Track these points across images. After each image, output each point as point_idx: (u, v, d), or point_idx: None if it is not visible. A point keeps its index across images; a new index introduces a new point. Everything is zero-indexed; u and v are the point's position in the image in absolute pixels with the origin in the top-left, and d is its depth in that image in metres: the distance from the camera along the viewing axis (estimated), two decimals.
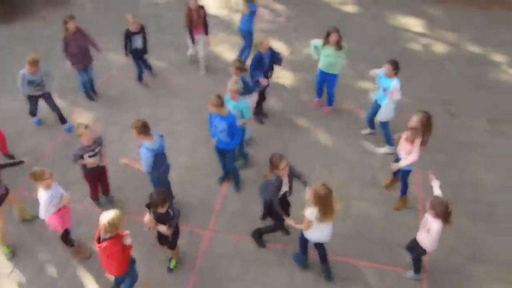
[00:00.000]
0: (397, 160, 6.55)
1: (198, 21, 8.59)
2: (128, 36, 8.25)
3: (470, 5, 11.73)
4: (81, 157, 6.04)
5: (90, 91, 8.74)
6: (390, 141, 7.58)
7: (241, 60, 7.31)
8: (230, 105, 6.64)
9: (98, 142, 6.16)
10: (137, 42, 8.34)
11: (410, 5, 11.75)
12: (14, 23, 10.99)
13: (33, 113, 7.95)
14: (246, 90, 7.21)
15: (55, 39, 9.89)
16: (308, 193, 5.41)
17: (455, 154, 7.78)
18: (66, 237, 6.00)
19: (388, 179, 7.17)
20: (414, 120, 6.11)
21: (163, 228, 5.41)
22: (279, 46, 10.06)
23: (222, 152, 6.77)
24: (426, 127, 6.12)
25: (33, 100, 7.68)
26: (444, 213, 5.09)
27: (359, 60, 9.80)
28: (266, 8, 11.43)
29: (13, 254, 6.20)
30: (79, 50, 8.04)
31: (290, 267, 6.13)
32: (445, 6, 11.73)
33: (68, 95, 8.70)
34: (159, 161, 6.01)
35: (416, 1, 11.87)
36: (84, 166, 6.20)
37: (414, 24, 11.10)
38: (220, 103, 6.17)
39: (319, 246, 5.77)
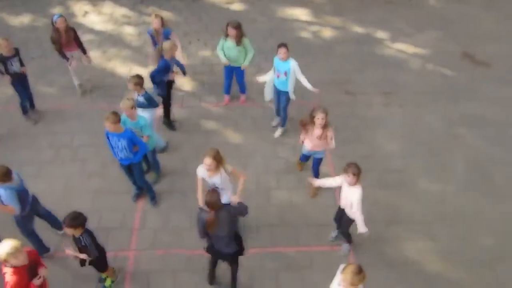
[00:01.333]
0: (308, 157, 6.87)
1: (68, 42, 8.08)
2: (2, 60, 7.54)
3: None
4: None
5: None
6: (285, 123, 7.96)
7: (139, 75, 6.94)
8: (129, 124, 6.32)
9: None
10: (15, 66, 7.63)
11: None
12: None
13: None
14: (150, 104, 6.98)
15: None
16: None
17: (359, 129, 8.22)
18: None
19: (299, 165, 7.41)
20: (322, 118, 6.18)
21: (83, 256, 5.09)
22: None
23: (129, 168, 6.50)
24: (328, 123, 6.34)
25: None
26: (359, 174, 5.24)
27: (255, 54, 9.94)
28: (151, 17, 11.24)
29: None
30: None
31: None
32: None
33: None
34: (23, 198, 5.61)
35: None
36: None
37: (300, 13, 11.52)
38: (117, 120, 5.80)
39: None
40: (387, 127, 8.27)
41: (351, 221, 5.77)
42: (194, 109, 8.63)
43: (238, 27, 7.54)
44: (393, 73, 9.54)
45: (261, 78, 7.70)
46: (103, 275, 5.76)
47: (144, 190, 6.88)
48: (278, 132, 8.05)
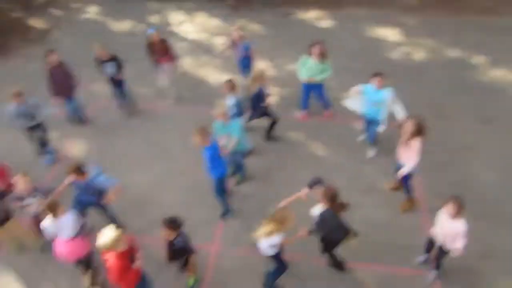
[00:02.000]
0: (399, 168, 6.60)
1: (162, 52, 8.58)
2: (100, 64, 8.24)
3: (442, 12, 12.11)
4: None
5: (77, 118, 8.75)
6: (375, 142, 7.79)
7: (232, 80, 7.29)
8: (219, 129, 6.59)
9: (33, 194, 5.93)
10: (110, 70, 8.29)
11: (384, 17, 12.06)
12: None
13: (41, 145, 7.90)
14: (239, 111, 7.20)
15: (37, 75, 9.78)
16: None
17: (452, 155, 7.88)
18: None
19: (393, 183, 7.18)
20: (409, 125, 6.16)
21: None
22: (262, 65, 10.12)
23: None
24: (419, 131, 6.16)
25: (31, 133, 7.63)
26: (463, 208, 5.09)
27: (341, 73, 9.91)
28: (242, 30, 11.58)
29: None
30: (61, 82, 8.05)
31: (301, 276, 6.07)
32: (418, 15, 12.07)
33: (59, 128, 8.53)
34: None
35: (389, 13, 12.19)
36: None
37: (391, 34, 11.37)
38: (202, 133, 6.01)
39: None
40: (483, 155, 7.85)
41: (445, 253, 5.55)
42: (280, 119, 8.71)
43: (321, 46, 7.67)
44: (490, 99, 9.09)
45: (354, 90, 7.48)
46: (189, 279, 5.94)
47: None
48: (371, 152, 7.89)
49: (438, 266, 5.87)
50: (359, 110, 7.57)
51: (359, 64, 10.27)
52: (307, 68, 7.96)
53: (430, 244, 5.78)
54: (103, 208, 6.32)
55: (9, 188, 5.98)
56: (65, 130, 8.58)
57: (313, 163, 7.78)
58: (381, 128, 7.33)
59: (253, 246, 6.33)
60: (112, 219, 6.45)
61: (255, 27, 11.82)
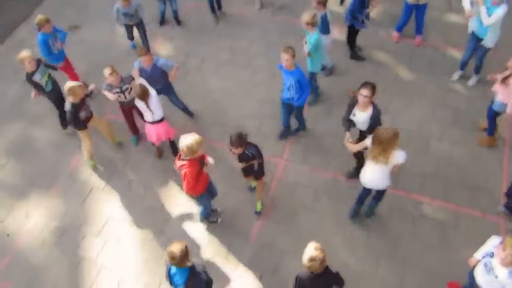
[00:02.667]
0: (492, 104, 6.19)
1: None
2: None
3: None
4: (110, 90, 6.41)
5: (172, 19, 9.03)
6: (479, 69, 7.19)
7: None
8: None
9: (126, 81, 6.41)
10: None
11: None
12: None
13: (130, 38, 8.46)
14: (324, 29, 6.90)
15: None
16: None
17: None
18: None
19: (484, 122, 6.73)
20: None
21: (239, 165, 5.58)
22: None
23: (290, 106, 6.48)
24: None
25: (128, 29, 8.17)
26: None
27: None
28: None
29: (95, 167, 6.94)
30: None
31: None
32: None
33: (150, 26, 8.88)
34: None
35: None
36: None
37: None
38: (293, 54, 5.71)
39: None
40: None
41: None
42: (370, 38, 8.34)
43: None
44: None
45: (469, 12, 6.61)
46: (251, 183, 6.32)
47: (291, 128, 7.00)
48: (472, 80, 7.38)
49: None
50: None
51: None
52: None
53: None
54: (171, 93, 6.88)
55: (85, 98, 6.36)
56: (155, 29, 8.93)
57: (397, 87, 7.51)
58: (489, 42, 6.62)
59: (319, 166, 6.58)
60: (183, 106, 7.09)
61: None
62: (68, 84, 5.95)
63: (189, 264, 4.19)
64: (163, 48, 8.62)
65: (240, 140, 5.11)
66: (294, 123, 6.91)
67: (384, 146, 4.76)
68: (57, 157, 7.14)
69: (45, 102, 7.56)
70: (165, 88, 6.78)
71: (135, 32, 8.25)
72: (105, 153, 7.10)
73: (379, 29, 8.52)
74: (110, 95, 6.41)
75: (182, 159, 5.03)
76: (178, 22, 9.04)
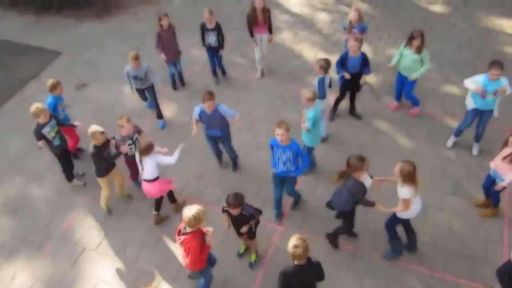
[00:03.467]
0: (490, 178, 6.23)
1: (262, 21, 8.55)
2: (203, 30, 8.53)
3: None
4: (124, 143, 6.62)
5: (178, 81, 9.29)
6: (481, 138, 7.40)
7: (327, 59, 7.11)
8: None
9: (136, 130, 6.69)
10: (211, 39, 8.57)
11: (504, 5, 10.98)
12: (108, 19, 11.75)
13: (143, 99, 8.61)
14: (320, 93, 7.11)
15: (146, 34, 10.50)
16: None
17: None
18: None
19: (481, 198, 6.75)
20: None
21: (243, 229, 5.58)
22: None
23: (283, 180, 6.38)
24: None
25: (140, 92, 8.33)
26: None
27: (445, 63, 9.36)
28: (348, 7, 11.27)
29: (109, 212, 7.01)
30: (169, 45, 8.49)
31: (359, 269, 6.08)
32: None
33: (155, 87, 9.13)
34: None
35: (510, 1, 11.07)
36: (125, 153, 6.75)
37: (509, 25, 10.35)
38: (286, 130, 5.69)
39: (407, 223, 5.88)
40: None
41: None
42: (369, 106, 8.54)
43: (420, 36, 7.22)
44: None
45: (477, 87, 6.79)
46: (243, 246, 6.29)
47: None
48: (475, 149, 7.52)
49: None
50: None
51: (467, 55, 9.58)
52: (403, 56, 7.60)
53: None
54: (227, 140, 7.08)
55: (107, 143, 6.59)
56: (160, 91, 9.12)
57: (395, 155, 7.53)
58: (496, 112, 6.98)
59: (317, 233, 6.49)
60: (234, 156, 7.31)
61: (360, 5, 11.43)
62: (91, 128, 6.30)
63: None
64: (167, 109, 8.79)
65: (237, 199, 5.16)
66: (286, 198, 6.82)
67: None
68: (52, 215, 7.07)
69: (45, 159, 7.64)
70: (223, 135, 6.98)
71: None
72: (100, 211, 7.05)
73: (379, 96, 8.73)
74: (123, 148, 6.58)
75: (183, 233, 4.92)
76: (183, 83, 9.31)
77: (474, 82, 6.79)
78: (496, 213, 6.57)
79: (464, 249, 6.23)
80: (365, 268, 6.09)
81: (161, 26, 8.28)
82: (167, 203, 6.90)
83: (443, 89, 8.83)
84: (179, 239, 4.95)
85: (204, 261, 5.22)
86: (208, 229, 5.12)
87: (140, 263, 6.37)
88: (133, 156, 6.62)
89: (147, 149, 6.10)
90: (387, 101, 8.62)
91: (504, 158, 5.86)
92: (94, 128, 6.30)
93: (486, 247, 6.23)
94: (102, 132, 6.32)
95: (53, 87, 7.05)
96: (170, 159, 6.27)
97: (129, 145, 6.62)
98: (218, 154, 7.46)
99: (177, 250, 6.42)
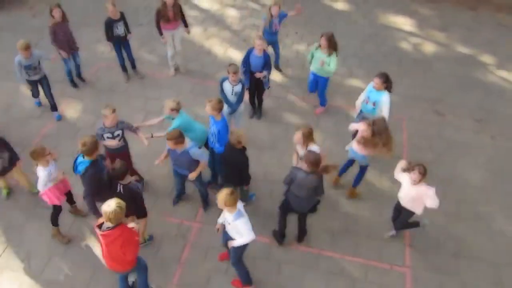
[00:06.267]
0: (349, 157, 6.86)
1: (173, 17, 8.40)
2: (110, 24, 8.19)
3: (459, 6, 11.87)
4: (102, 137, 6.15)
5: (76, 78, 8.83)
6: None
7: (235, 64, 7.03)
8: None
9: (119, 126, 6.26)
10: (119, 30, 8.27)
11: (400, 4, 11.84)
12: (1, 12, 10.81)
13: (35, 95, 8.05)
14: (239, 98, 7.18)
15: (43, 30, 9.79)
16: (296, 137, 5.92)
17: (443, 152, 7.88)
18: (55, 215, 6.14)
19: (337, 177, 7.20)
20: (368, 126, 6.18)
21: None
22: None
23: (212, 152, 6.67)
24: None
25: (33, 85, 7.74)
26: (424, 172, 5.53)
27: (349, 57, 9.87)
28: (256, 3, 11.46)
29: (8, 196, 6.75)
30: (65, 38, 8.06)
31: (276, 258, 6.20)
32: (435, 5, 11.84)
33: (56, 86, 8.53)
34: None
35: (407, 0, 11.96)
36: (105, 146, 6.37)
37: (404, 22, 11.19)
38: (219, 108, 6.14)
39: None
40: (473, 156, 7.84)
41: (411, 214, 5.98)
42: (279, 100, 8.75)
43: (330, 39, 7.49)
44: (491, 101, 9.00)
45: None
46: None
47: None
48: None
49: (410, 226, 6.31)
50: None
51: (368, 50, 10.19)
52: (314, 58, 7.84)
53: (397, 215, 6.19)
54: (197, 178, 6.31)
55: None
56: (62, 89, 8.63)
57: None
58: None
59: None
60: (203, 191, 6.61)
61: (267, 1, 11.63)
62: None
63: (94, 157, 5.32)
64: (72, 109, 8.31)
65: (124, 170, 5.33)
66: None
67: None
68: None
69: None
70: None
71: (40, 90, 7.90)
72: (0, 219, 6.48)
73: (289, 91, 8.97)
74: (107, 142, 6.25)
75: (107, 229, 4.60)
76: (82, 79, 8.87)
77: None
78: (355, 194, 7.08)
79: (370, 232, 6.63)
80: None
81: (53, 17, 7.83)
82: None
83: (347, 82, 9.30)
84: (102, 234, 4.63)
85: (128, 263, 4.99)
86: (133, 225, 4.95)
87: (47, 273, 5.95)
88: (117, 150, 6.31)
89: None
90: (295, 95, 8.88)
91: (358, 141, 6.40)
92: None
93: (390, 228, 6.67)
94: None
95: None
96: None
97: (108, 138, 6.18)
98: (180, 191, 6.80)
99: (89, 253, 6.10)
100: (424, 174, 5.51)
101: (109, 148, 6.37)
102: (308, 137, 5.94)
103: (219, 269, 6.08)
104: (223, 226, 5.41)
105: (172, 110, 6.36)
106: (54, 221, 6.19)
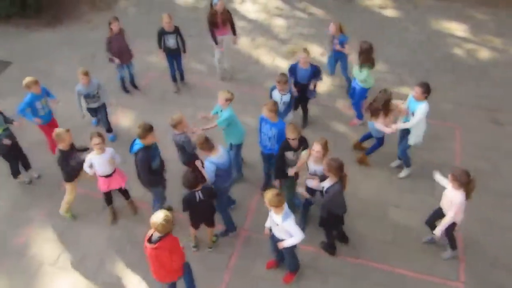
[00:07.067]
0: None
1: (222, 23, 8.62)
2: (161, 34, 8.48)
3: None
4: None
5: (129, 85, 9.22)
6: (409, 163, 7.30)
7: (284, 74, 7.07)
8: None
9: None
10: (170, 42, 8.54)
11: (453, 9, 11.47)
12: (59, 27, 11.42)
13: (93, 115, 8.28)
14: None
15: (101, 42, 10.23)
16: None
17: (500, 164, 7.52)
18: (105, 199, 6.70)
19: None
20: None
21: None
22: (317, 50, 10.05)
23: (268, 158, 6.73)
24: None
25: (91, 112, 8.03)
26: (466, 182, 5.32)
27: (399, 65, 9.67)
28: (303, 12, 11.47)
29: (73, 218, 6.88)
30: (120, 49, 8.43)
31: (323, 270, 6.14)
32: (490, 10, 11.38)
33: (111, 96, 8.88)
34: (223, 175, 5.97)
35: (459, 5, 11.57)
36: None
37: (457, 28, 10.83)
38: (275, 109, 6.22)
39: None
40: None
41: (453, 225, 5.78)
42: (327, 108, 8.68)
43: (364, 51, 7.35)
44: None
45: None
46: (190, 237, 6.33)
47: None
48: (402, 173, 7.38)
49: (452, 242, 6.09)
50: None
51: (419, 58, 9.93)
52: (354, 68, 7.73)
53: (434, 218, 6.05)
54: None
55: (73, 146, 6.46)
56: (118, 99, 8.95)
57: (353, 158, 7.68)
58: (411, 142, 6.84)
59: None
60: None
61: (314, 10, 11.66)
62: (56, 130, 6.13)
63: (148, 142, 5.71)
64: (125, 118, 8.63)
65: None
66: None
67: None
68: (5, 230, 6.76)
69: None
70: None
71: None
72: (59, 222, 6.82)
73: (336, 100, 8.90)
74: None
75: (154, 241, 4.74)
76: (135, 86, 9.23)
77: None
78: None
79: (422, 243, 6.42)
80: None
81: (111, 30, 8.24)
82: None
83: (397, 90, 9.07)
84: (152, 247, 4.75)
85: (176, 271, 5.11)
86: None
87: (101, 275, 6.17)
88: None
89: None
90: (342, 104, 8.78)
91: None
92: (57, 129, 6.16)
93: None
94: (67, 130, 6.19)
95: (29, 86, 6.94)
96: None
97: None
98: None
99: (139, 260, 6.28)
100: (456, 180, 5.33)
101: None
102: (326, 148, 5.79)
103: (267, 277, 6.08)
104: (270, 229, 5.44)
105: (227, 100, 6.54)
106: (107, 201, 6.70)
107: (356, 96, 7.99)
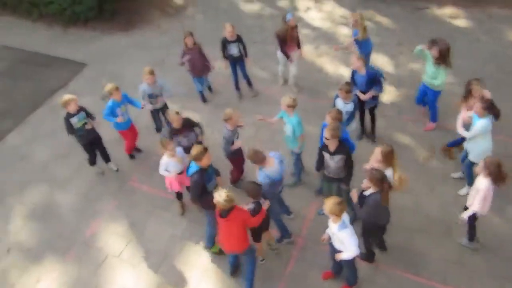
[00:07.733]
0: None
1: (292, 40, 8.64)
2: (224, 43, 8.68)
3: None
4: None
5: (207, 93, 9.55)
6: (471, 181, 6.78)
7: (348, 83, 7.07)
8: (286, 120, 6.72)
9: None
10: (233, 50, 8.72)
11: None
12: (132, 31, 12.03)
13: (159, 129, 8.53)
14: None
15: (170, 47, 10.70)
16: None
17: None
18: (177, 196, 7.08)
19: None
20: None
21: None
22: (382, 60, 9.89)
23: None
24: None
25: (155, 115, 8.35)
26: (496, 172, 5.28)
27: (468, 77, 9.21)
28: (370, 21, 11.31)
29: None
30: (195, 63, 8.66)
31: (381, 284, 5.98)
32: None
33: (178, 100, 9.24)
34: (275, 185, 6.07)
35: None
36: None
37: None
38: (340, 118, 6.21)
39: None
40: None
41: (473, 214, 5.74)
42: (391, 120, 8.51)
43: (441, 51, 7.11)
44: None
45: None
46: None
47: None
48: (463, 190, 7.03)
49: (471, 234, 6.14)
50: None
51: (490, 70, 9.49)
52: (427, 65, 7.49)
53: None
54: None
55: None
56: (183, 104, 9.24)
57: (416, 170, 7.48)
58: (475, 159, 6.53)
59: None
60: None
61: (382, 19, 11.47)
62: (170, 112, 6.82)
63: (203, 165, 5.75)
64: None
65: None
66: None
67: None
68: (76, 222, 7.23)
69: (70, 167, 7.83)
70: None
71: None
72: (125, 216, 7.18)
73: (401, 110, 8.71)
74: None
75: (225, 216, 5.23)
76: (210, 89, 9.60)
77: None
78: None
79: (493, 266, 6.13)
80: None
81: (186, 44, 8.47)
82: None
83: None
84: (227, 219, 5.25)
85: (245, 240, 5.52)
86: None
87: (162, 271, 6.43)
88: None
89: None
90: (408, 115, 8.58)
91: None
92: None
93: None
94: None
95: (111, 93, 7.25)
96: None
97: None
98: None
99: (199, 259, 6.47)
100: (486, 168, 5.32)
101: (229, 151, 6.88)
102: (387, 157, 5.56)
103: (323, 287, 6.04)
104: (329, 238, 5.44)
105: (289, 106, 6.55)
106: (178, 197, 7.05)
107: (430, 100, 7.87)
